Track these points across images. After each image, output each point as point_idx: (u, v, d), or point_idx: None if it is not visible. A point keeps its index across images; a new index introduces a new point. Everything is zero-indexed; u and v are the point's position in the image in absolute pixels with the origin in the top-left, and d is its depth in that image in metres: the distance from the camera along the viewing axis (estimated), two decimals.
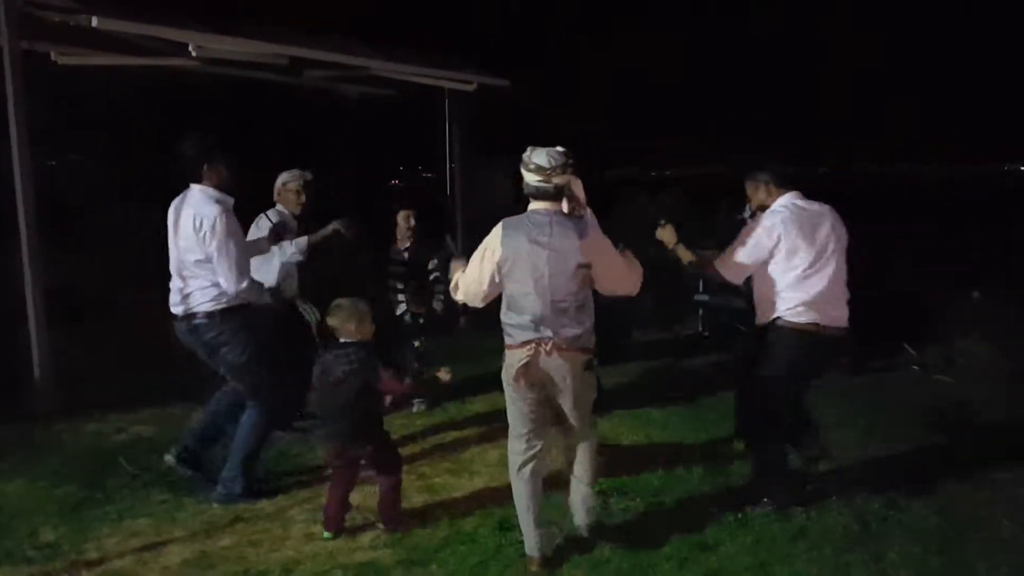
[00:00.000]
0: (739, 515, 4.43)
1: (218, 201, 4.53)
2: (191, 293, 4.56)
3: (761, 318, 4.61)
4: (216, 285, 4.54)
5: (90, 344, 7.18)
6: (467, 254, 4.23)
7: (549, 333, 3.79)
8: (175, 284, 4.64)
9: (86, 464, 5.23)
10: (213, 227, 4.44)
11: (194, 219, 4.47)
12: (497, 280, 3.88)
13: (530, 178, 3.84)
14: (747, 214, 4.99)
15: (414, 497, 4.78)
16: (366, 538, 4.30)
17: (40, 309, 6.05)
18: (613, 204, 11.11)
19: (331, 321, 4.28)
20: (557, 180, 3.80)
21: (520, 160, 3.86)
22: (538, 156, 3.80)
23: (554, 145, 3.85)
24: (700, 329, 9.01)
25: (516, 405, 3.95)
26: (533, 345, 3.80)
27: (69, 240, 9.89)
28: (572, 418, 3.97)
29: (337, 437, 4.26)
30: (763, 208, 4.62)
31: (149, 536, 4.33)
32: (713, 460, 5.32)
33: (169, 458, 4.88)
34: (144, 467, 5.17)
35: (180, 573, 3.96)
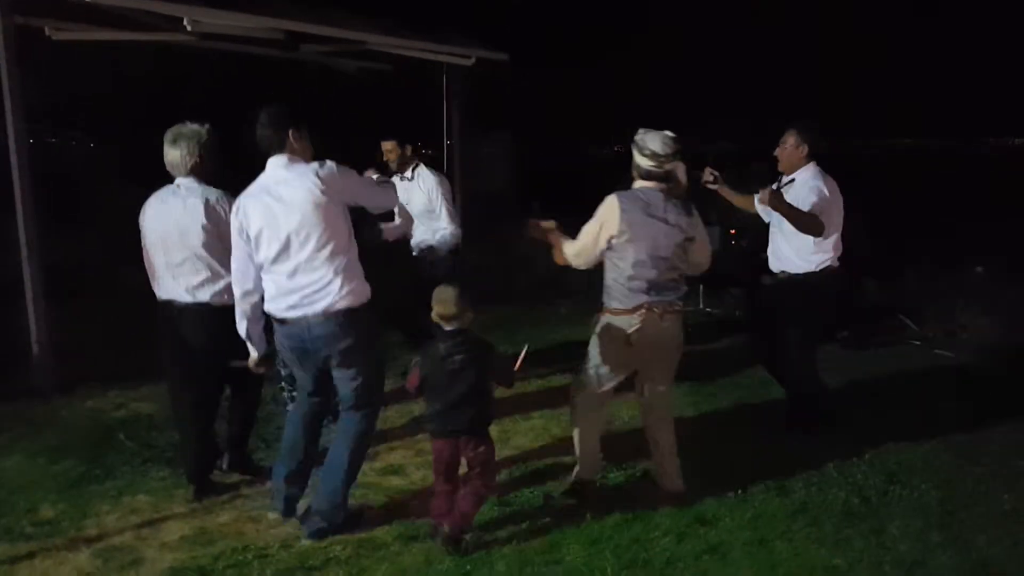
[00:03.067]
0: (739, 491, 4.43)
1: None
2: (330, 283, 3.86)
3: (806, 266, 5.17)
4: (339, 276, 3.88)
5: (88, 321, 7.16)
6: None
7: (661, 298, 4.13)
8: (301, 279, 3.88)
9: (85, 440, 5.22)
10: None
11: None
12: (607, 248, 4.15)
13: (643, 162, 4.15)
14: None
15: (413, 473, 4.78)
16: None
17: (38, 285, 6.01)
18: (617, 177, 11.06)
19: (442, 309, 3.86)
20: (668, 166, 4.14)
21: (633, 142, 4.16)
22: (653, 142, 4.11)
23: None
24: (700, 305, 8.98)
25: (608, 365, 4.27)
26: (645, 310, 4.11)
27: (68, 217, 9.87)
28: (662, 381, 4.38)
29: (453, 432, 3.90)
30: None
31: (148, 512, 4.33)
32: (712, 436, 5.32)
33: (274, 515, 4.25)
34: (143, 443, 5.17)
35: (179, 549, 3.96)
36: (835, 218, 5.11)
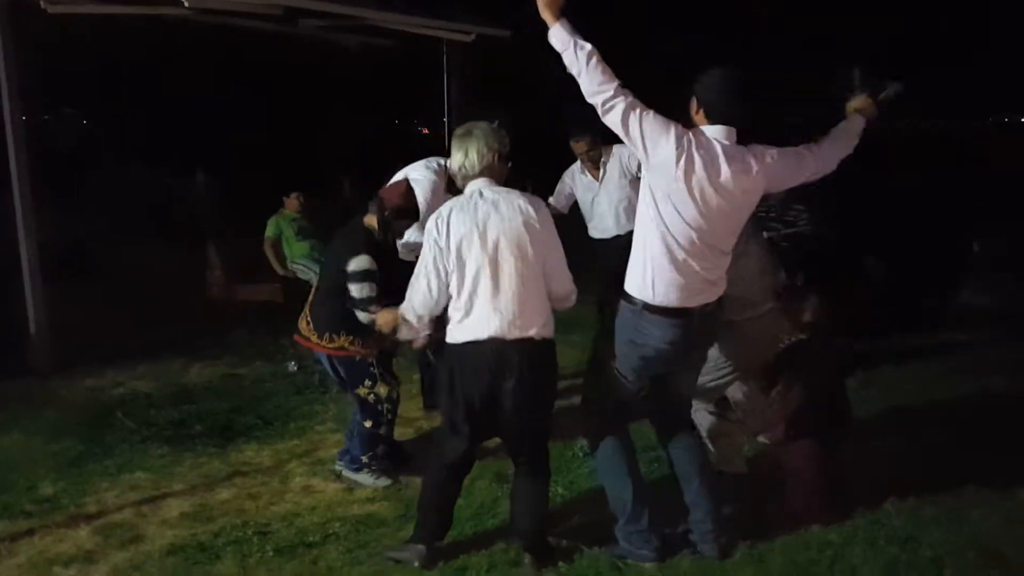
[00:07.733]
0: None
1: None
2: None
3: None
4: None
5: (86, 299, 7.16)
6: None
7: None
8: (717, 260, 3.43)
9: (84, 419, 5.24)
10: None
11: None
12: None
13: None
14: None
15: (415, 451, 4.79)
16: (363, 491, 4.31)
17: (35, 264, 6.01)
18: None
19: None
20: None
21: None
22: None
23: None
24: None
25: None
26: None
27: (66, 194, 9.84)
28: None
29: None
30: None
31: (148, 490, 4.35)
32: None
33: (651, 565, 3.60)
34: (142, 422, 5.19)
35: (179, 526, 3.98)
36: None
